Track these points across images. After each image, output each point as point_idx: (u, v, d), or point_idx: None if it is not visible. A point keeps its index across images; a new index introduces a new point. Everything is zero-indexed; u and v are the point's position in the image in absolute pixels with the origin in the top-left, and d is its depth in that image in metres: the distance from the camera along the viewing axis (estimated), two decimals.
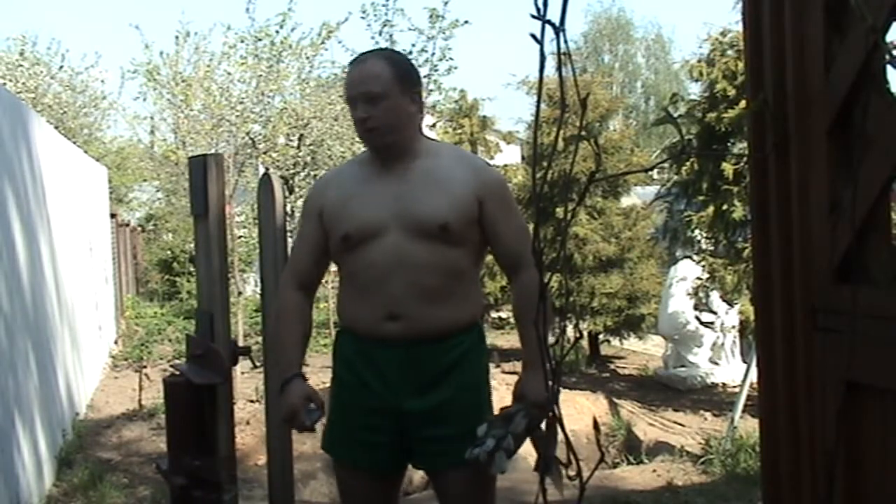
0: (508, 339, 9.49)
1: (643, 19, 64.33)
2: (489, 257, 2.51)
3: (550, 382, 1.31)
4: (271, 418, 2.93)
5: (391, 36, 9.92)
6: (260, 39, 8.90)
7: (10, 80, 13.24)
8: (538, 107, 1.25)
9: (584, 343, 10.49)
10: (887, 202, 1.42)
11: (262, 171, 8.52)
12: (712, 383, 9.02)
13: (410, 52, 9.70)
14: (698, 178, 7.41)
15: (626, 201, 10.84)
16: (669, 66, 35.43)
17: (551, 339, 1.37)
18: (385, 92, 2.31)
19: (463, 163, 2.43)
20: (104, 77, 16.28)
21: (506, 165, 11.72)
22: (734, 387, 8.30)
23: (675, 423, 7.67)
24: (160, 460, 2.92)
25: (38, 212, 5.70)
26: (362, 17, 9.89)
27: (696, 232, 7.88)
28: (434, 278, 2.32)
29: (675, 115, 7.45)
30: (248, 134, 8.85)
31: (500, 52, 54.23)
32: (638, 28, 42.39)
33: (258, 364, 3.12)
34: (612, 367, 10.40)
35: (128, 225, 15.68)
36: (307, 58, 9.45)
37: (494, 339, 10.48)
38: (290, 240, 3.12)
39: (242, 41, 8.97)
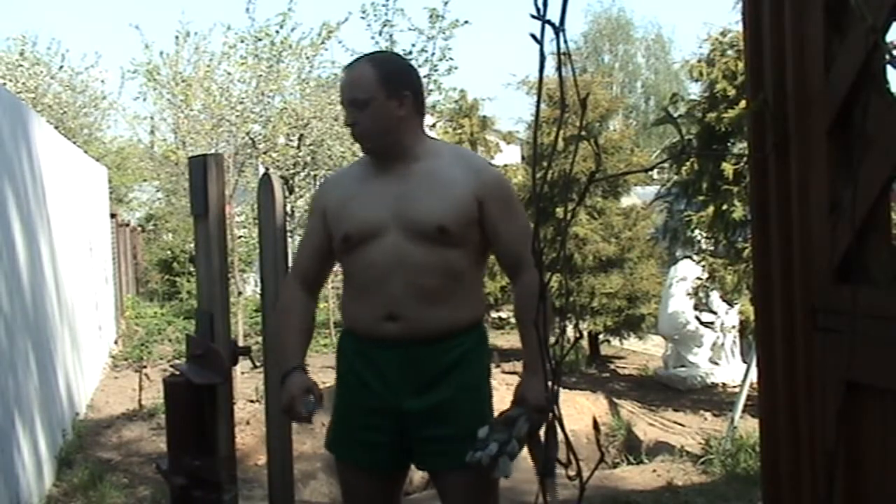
0: (508, 339, 9.49)
1: (643, 19, 64.40)
2: (492, 257, 2.50)
3: (551, 383, 1.31)
4: (271, 418, 2.93)
5: (391, 36, 9.94)
6: (260, 39, 8.91)
7: (10, 80, 13.24)
8: (538, 107, 1.25)
9: (584, 343, 10.48)
10: (887, 202, 1.42)
11: (262, 171, 8.52)
12: (712, 383, 9.02)
13: (410, 53, 9.72)
14: (698, 178, 7.40)
15: (626, 201, 10.83)
16: (669, 66, 35.42)
17: (552, 340, 1.37)
18: (368, 98, 2.32)
19: (463, 163, 2.41)
20: (104, 77, 16.30)
21: (506, 165, 11.71)
22: (734, 387, 8.30)
23: (675, 423, 7.67)
24: (160, 460, 2.92)
25: (38, 212, 5.70)
26: (362, 17, 9.90)
27: (696, 232, 7.88)
28: (433, 279, 2.32)
29: (675, 115, 7.45)
30: (248, 134, 8.86)
31: (500, 52, 54.26)
32: (638, 28, 42.40)
33: (258, 364, 3.12)
34: (612, 367, 10.40)
35: (128, 225, 15.68)
36: (307, 58, 9.46)
37: (494, 339, 10.48)
38: (290, 240, 3.12)
39: (242, 41, 8.98)
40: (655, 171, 12.72)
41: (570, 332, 10.03)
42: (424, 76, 9.30)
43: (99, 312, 9.13)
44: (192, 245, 4.90)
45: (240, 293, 8.69)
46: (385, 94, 2.33)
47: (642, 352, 11.22)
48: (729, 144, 7.41)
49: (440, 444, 2.35)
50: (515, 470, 2.21)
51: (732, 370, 8.96)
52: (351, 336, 2.47)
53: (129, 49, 11.67)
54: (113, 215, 12.11)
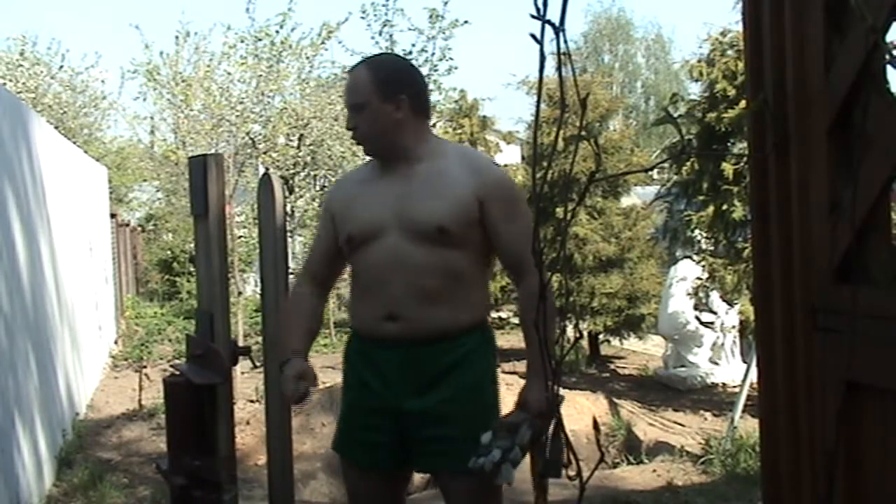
0: (508, 339, 9.48)
1: (643, 19, 64.42)
2: None
3: (552, 384, 1.31)
4: (271, 418, 2.93)
5: (391, 36, 9.94)
6: (260, 39, 8.90)
7: (10, 80, 13.23)
8: (538, 107, 1.25)
9: (584, 343, 10.48)
10: (887, 202, 1.42)
11: (262, 171, 8.53)
12: (712, 383, 9.02)
13: (410, 53, 9.71)
14: (698, 178, 7.40)
15: (626, 201, 10.83)
16: (669, 66, 35.41)
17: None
18: (364, 102, 2.35)
19: (466, 163, 2.40)
20: (104, 77, 16.28)
21: (506, 165, 11.70)
22: (734, 387, 8.30)
23: (675, 423, 7.67)
24: (160, 460, 2.92)
25: (38, 212, 5.70)
26: (362, 18, 9.90)
27: (696, 232, 7.88)
28: (433, 279, 2.31)
29: (675, 115, 7.45)
30: (248, 134, 8.86)
31: (500, 52, 54.27)
32: (638, 28, 42.41)
33: (258, 364, 3.12)
34: (612, 367, 10.40)
35: (128, 225, 15.69)
36: (307, 58, 9.45)
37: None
38: (290, 240, 3.14)
39: (242, 41, 8.97)
40: (655, 171, 12.73)
41: (570, 332, 10.03)
42: (424, 76, 9.28)
43: (99, 312, 9.13)
44: (192, 245, 4.90)
45: (240, 293, 8.70)
46: (380, 98, 2.34)
47: (642, 352, 11.22)
48: (729, 144, 7.41)
49: (440, 444, 2.35)
50: (517, 470, 2.21)
51: (732, 370, 8.96)
52: (355, 336, 2.51)
53: (129, 49, 11.67)
54: (113, 215, 12.11)
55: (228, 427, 2.78)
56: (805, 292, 1.52)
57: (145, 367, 8.49)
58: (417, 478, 5.40)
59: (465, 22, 9.86)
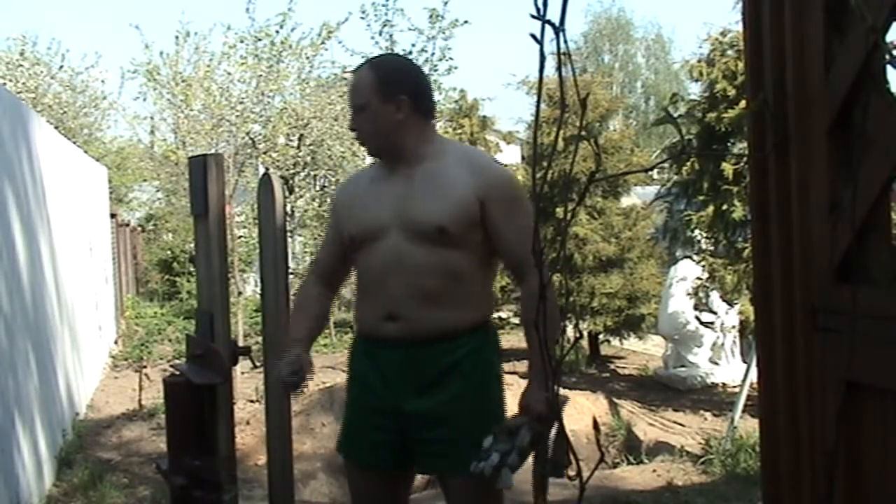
0: (508, 339, 9.46)
1: (643, 19, 64.38)
2: None
3: (553, 386, 1.31)
4: (271, 418, 2.93)
5: (391, 36, 9.94)
6: (260, 39, 8.90)
7: (10, 80, 13.23)
8: (538, 107, 1.25)
9: (584, 343, 10.48)
10: (887, 202, 1.42)
11: (262, 171, 8.52)
12: (712, 383, 9.02)
13: (410, 53, 9.71)
14: (698, 178, 7.40)
15: (626, 201, 10.83)
16: (669, 66, 35.40)
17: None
18: (364, 103, 2.36)
19: (467, 163, 2.38)
20: (104, 77, 16.28)
21: (506, 165, 11.69)
22: (734, 387, 8.30)
23: (675, 423, 7.67)
24: (160, 460, 2.92)
25: (38, 212, 5.70)
26: (362, 18, 9.90)
27: (696, 232, 7.88)
28: (433, 279, 2.31)
29: (675, 115, 7.45)
30: (248, 134, 8.86)
31: (500, 52, 54.25)
32: (638, 28, 42.38)
33: (258, 364, 3.12)
34: (612, 367, 10.40)
35: (128, 225, 15.69)
36: (307, 58, 9.45)
37: None
38: (290, 240, 3.14)
39: (242, 41, 8.98)
40: (655, 171, 12.73)
41: (570, 332, 10.03)
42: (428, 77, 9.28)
43: (99, 312, 9.13)
44: (192, 245, 4.90)
45: (240, 293, 8.70)
46: (380, 99, 2.34)
47: (642, 352, 11.22)
48: (729, 144, 7.41)
49: (441, 446, 2.35)
50: (519, 472, 2.21)
51: (732, 370, 8.96)
52: (358, 336, 2.52)
53: (129, 49, 11.67)
54: (113, 215, 12.11)
55: (228, 427, 2.79)
56: (805, 292, 1.52)
57: (145, 367, 8.49)
58: (417, 478, 5.40)
59: (465, 22, 9.87)
